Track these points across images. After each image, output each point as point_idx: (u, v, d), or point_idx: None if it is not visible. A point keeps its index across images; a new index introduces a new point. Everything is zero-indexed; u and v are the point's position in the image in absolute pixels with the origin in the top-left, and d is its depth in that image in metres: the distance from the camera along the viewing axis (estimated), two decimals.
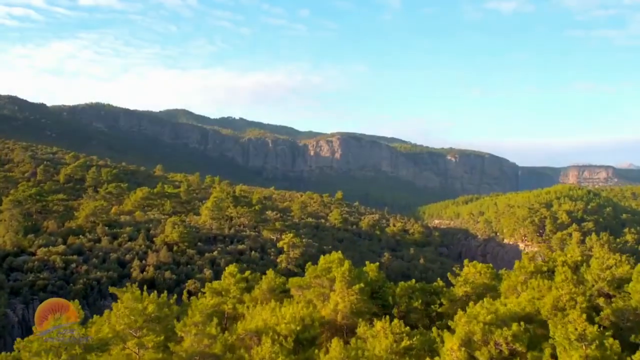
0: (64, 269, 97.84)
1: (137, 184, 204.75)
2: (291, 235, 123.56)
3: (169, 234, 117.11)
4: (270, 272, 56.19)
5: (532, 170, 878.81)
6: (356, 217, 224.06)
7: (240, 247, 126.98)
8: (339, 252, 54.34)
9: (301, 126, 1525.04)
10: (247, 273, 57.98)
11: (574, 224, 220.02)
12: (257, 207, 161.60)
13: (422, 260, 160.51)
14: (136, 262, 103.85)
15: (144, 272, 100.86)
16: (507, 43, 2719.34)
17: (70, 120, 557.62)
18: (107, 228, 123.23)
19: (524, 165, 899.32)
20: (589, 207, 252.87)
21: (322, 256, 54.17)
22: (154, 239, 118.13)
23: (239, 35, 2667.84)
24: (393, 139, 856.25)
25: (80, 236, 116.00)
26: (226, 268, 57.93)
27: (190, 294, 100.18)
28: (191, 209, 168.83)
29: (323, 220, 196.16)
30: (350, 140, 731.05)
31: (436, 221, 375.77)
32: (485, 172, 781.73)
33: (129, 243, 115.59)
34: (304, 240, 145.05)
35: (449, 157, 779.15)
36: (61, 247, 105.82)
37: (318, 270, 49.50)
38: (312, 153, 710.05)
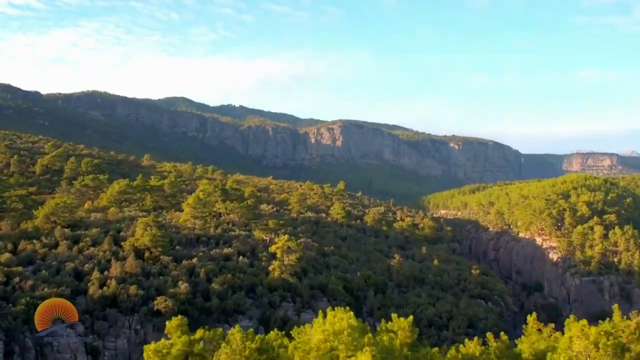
0: (4, 284, 79.23)
1: (122, 174, 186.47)
2: (285, 237, 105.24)
3: (139, 237, 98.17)
4: (234, 336, 37.06)
5: (535, 158, 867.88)
6: (360, 210, 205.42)
7: (226, 250, 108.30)
8: (349, 312, 35.80)
9: (302, 114, 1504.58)
10: (200, 333, 38.63)
11: (595, 216, 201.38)
12: (249, 202, 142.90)
13: (436, 262, 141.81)
14: (95, 274, 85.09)
15: (104, 287, 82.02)
16: (512, 29, 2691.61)
17: (65, 109, 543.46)
18: (67, 230, 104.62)
19: (526, 152, 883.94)
20: (609, 197, 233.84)
21: (319, 322, 35.40)
22: (123, 243, 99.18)
23: (241, 22, 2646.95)
24: (395, 127, 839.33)
25: (34, 241, 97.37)
26: (168, 322, 38.88)
27: (158, 314, 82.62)
28: (176, 203, 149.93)
29: (324, 215, 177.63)
30: (352, 128, 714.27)
31: (442, 211, 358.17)
32: (489, 160, 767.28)
33: (92, 249, 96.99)
34: (301, 240, 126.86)
35: (451, 145, 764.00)
36: (6, 255, 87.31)
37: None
38: (313, 141, 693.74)
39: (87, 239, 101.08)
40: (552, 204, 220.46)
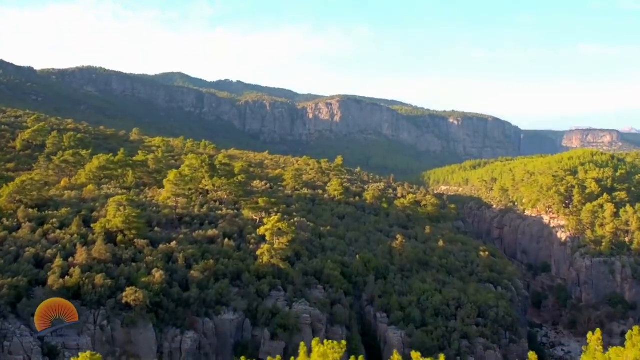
0: None
1: (109, 150, 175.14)
2: (276, 218, 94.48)
3: (111, 218, 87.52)
4: None
5: (534, 134, 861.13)
6: (359, 186, 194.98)
7: (211, 232, 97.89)
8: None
9: (300, 89, 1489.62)
10: None
11: (604, 193, 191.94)
12: (239, 178, 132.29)
13: (440, 242, 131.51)
14: (58, 261, 74.54)
15: (66, 277, 71.55)
16: (512, 3, 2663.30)
17: (59, 84, 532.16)
18: (33, 210, 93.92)
19: (526, 128, 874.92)
20: (617, 174, 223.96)
21: None
22: (93, 225, 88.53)
23: None
24: (394, 102, 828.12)
25: None
26: None
27: (127, 307, 72.34)
28: (162, 179, 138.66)
29: (321, 192, 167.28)
30: (350, 103, 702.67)
31: (442, 187, 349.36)
32: (488, 136, 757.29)
33: (58, 232, 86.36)
34: (295, 220, 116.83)
35: (451, 120, 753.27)
36: None
37: None
38: (311, 116, 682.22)
39: (54, 220, 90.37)
40: (559, 181, 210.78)
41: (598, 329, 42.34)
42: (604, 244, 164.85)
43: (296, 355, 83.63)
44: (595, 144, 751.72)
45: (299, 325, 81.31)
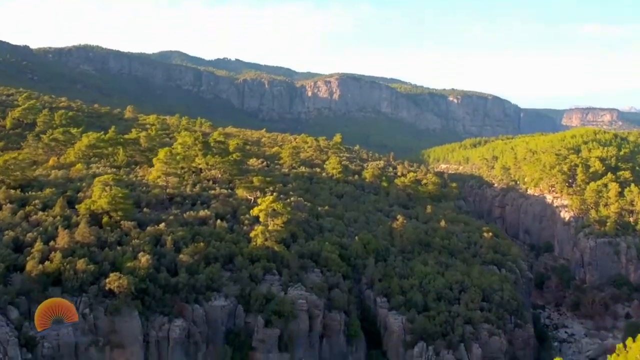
0: None
1: (102, 128, 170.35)
2: (270, 198, 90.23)
3: (96, 199, 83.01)
4: None
5: (534, 113, 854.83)
6: (358, 164, 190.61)
7: (202, 213, 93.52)
8: None
9: (299, 67, 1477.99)
10: None
11: (608, 172, 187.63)
12: (234, 156, 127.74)
13: (442, 223, 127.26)
14: (38, 245, 70.21)
15: (46, 262, 67.21)
16: None
17: (55, 63, 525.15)
18: (15, 191, 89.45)
19: (525, 107, 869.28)
20: (621, 153, 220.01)
21: None
22: (77, 206, 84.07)
23: None
24: (393, 80, 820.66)
25: None
26: None
27: (111, 294, 68.06)
28: (154, 157, 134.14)
29: (319, 170, 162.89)
30: (349, 81, 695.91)
31: (442, 166, 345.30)
32: (488, 114, 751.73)
33: (40, 214, 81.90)
34: (292, 199, 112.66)
35: (450, 99, 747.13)
36: None
37: None
38: (309, 94, 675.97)
39: (37, 201, 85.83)
40: (562, 159, 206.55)
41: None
42: (608, 224, 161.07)
43: (292, 342, 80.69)
44: (595, 122, 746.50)
45: (294, 312, 77.58)
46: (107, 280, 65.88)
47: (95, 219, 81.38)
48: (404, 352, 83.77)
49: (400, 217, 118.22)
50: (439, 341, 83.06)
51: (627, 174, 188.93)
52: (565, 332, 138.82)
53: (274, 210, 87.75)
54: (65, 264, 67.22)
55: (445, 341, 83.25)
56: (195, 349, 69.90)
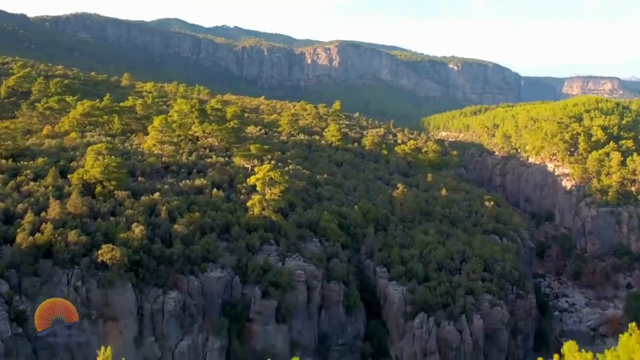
0: None
1: (98, 96, 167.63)
2: (267, 167, 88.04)
3: (89, 168, 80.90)
4: None
5: (535, 81, 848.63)
6: (357, 132, 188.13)
7: (198, 182, 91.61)
8: None
9: (298, 35, 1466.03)
10: None
11: (610, 141, 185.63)
12: (232, 124, 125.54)
13: (443, 191, 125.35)
14: (29, 217, 68.30)
15: (37, 234, 65.32)
16: None
17: (53, 31, 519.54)
18: (7, 161, 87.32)
19: (526, 75, 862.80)
20: (624, 122, 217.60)
21: None
22: (69, 176, 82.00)
23: None
24: (393, 47, 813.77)
25: None
26: None
27: (103, 266, 66.36)
28: (150, 125, 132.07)
29: (318, 138, 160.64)
30: (349, 48, 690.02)
31: (443, 133, 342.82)
32: (488, 82, 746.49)
33: (32, 184, 79.89)
34: (290, 167, 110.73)
35: (450, 66, 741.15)
36: None
37: None
38: (309, 61, 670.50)
39: (28, 171, 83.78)
40: (564, 128, 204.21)
41: None
42: (610, 193, 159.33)
43: (289, 314, 79.26)
44: (596, 91, 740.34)
45: (292, 283, 76.04)
46: (99, 252, 64.08)
47: (88, 189, 79.62)
48: (404, 323, 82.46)
49: (400, 186, 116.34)
50: (439, 312, 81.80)
51: (629, 143, 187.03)
52: (566, 302, 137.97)
53: (271, 179, 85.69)
54: (56, 235, 65.35)
55: (446, 312, 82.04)
56: (190, 321, 68.38)
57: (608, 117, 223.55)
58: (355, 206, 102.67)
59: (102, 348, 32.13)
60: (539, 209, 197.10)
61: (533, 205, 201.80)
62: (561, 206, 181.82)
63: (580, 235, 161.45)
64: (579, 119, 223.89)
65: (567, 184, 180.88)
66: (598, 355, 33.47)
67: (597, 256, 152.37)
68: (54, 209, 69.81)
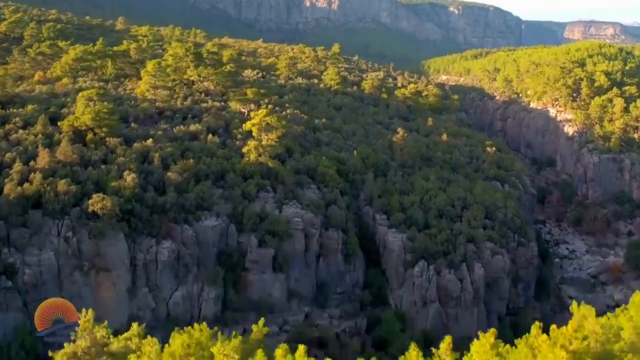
0: None
1: (92, 40, 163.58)
2: (263, 112, 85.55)
3: (79, 115, 78.34)
4: None
5: (536, 25, 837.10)
6: (357, 75, 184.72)
7: (193, 127, 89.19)
8: None
9: None
10: None
11: (614, 87, 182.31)
12: (228, 67, 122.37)
13: (444, 136, 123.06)
14: (17, 166, 66.15)
15: (25, 184, 63.31)
16: None
17: None
18: None
19: (527, 19, 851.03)
20: (627, 68, 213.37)
21: None
22: (60, 123, 79.50)
23: None
24: None
25: None
26: None
27: (94, 216, 64.46)
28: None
29: (316, 81, 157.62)
30: None
31: (443, 77, 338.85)
32: (489, 26, 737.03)
33: (21, 132, 77.54)
34: (288, 112, 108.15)
35: (451, 9, 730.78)
36: None
37: None
38: (308, 4, 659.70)
39: (17, 119, 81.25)
40: (567, 73, 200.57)
41: None
42: (612, 140, 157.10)
43: (287, 263, 77.96)
44: (598, 36, 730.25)
45: (289, 231, 74.53)
46: (90, 201, 62.27)
47: (78, 136, 77.34)
48: (404, 272, 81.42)
49: (400, 130, 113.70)
50: (440, 260, 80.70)
51: (632, 89, 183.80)
52: (567, 249, 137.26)
53: (268, 124, 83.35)
54: (45, 185, 63.50)
55: (446, 260, 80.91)
56: (185, 271, 67.26)
57: (611, 62, 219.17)
58: (355, 151, 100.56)
59: (84, 310, 30.40)
60: (540, 155, 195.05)
61: (534, 151, 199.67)
62: (563, 152, 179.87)
63: (582, 182, 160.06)
64: (581, 64, 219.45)
65: (569, 129, 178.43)
66: (609, 314, 31.84)
67: (598, 203, 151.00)
68: (43, 158, 67.82)
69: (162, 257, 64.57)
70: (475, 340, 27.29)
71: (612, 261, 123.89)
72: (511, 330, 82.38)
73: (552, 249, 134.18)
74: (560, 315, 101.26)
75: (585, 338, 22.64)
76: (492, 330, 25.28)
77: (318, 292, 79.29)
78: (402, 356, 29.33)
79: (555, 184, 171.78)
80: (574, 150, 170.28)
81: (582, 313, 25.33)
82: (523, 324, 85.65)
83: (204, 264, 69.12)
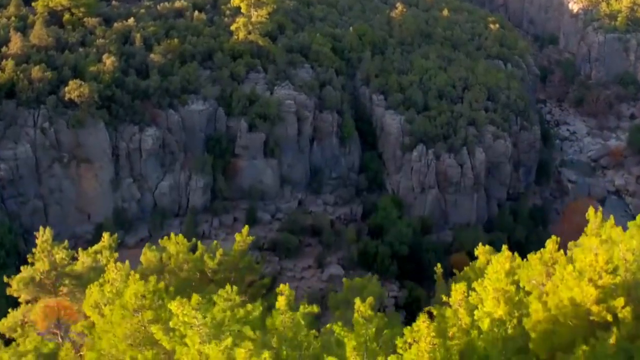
0: None
1: None
2: None
3: None
4: None
5: None
6: None
7: (178, 4, 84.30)
8: None
9: None
10: None
11: None
12: None
13: (445, 12, 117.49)
14: None
15: None
16: None
17: None
18: None
19: None
20: None
21: None
22: (34, 4, 74.19)
23: None
24: None
25: None
26: None
27: (72, 104, 60.58)
28: None
29: None
30: None
31: None
32: None
33: None
34: None
35: None
36: None
37: None
38: None
39: None
40: None
41: None
42: (619, 19, 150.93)
43: (279, 147, 75.17)
44: None
45: (281, 114, 71.89)
46: (66, 88, 58.75)
47: (54, 17, 72.86)
48: (402, 155, 79.36)
49: (399, 5, 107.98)
50: (439, 144, 78.40)
51: None
52: (567, 130, 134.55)
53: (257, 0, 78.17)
54: (18, 72, 59.98)
55: (446, 144, 78.65)
56: (171, 159, 65.09)
57: None
58: (351, 28, 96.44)
59: (41, 229, 29.56)
60: (542, 32, 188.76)
61: (537, 28, 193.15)
62: (566, 30, 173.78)
63: (585, 61, 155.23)
64: None
65: (574, 6, 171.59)
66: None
67: (601, 84, 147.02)
68: (15, 43, 63.88)
69: (146, 145, 62.14)
70: (488, 265, 23.94)
71: (614, 145, 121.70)
72: (511, 216, 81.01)
73: (552, 129, 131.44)
74: (560, 200, 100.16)
75: (615, 270, 19.56)
76: (507, 253, 22.16)
77: (312, 178, 77.68)
78: None
79: (558, 63, 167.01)
80: (578, 28, 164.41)
81: (607, 233, 22.27)
82: (523, 210, 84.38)
83: (191, 151, 66.98)
